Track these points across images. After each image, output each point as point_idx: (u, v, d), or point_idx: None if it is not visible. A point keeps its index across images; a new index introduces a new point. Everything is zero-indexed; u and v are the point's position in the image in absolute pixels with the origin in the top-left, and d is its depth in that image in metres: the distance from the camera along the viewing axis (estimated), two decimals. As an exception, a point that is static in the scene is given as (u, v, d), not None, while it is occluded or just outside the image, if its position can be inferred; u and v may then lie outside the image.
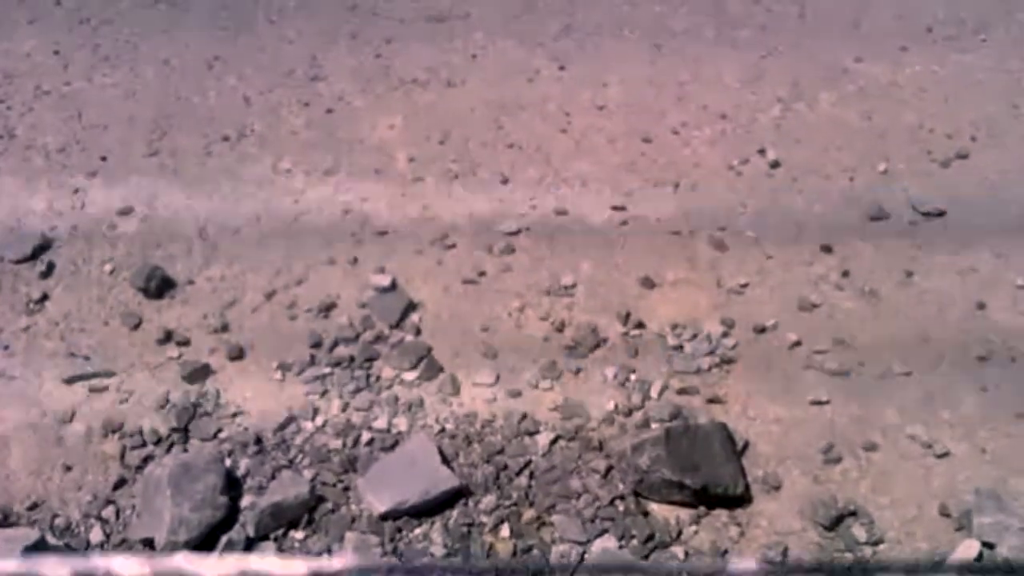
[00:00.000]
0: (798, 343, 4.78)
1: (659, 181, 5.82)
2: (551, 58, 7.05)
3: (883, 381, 4.61)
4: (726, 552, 3.93)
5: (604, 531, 3.98)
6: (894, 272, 5.18)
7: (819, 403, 4.50)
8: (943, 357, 4.72)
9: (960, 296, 5.04)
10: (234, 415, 4.47)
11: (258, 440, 4.34)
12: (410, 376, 4.65)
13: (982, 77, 6.86)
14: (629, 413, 4.48)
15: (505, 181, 5.82)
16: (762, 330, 4.85)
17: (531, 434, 4.39)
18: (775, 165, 5.91)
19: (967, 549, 3.79)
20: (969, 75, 6.88)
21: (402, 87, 6.71)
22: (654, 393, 4.56)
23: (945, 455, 4.26)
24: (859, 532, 3.98)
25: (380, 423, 4.43)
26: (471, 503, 4.10)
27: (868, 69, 6.91)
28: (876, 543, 3.95)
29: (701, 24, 7.49)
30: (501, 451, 4.31)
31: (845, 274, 5.14)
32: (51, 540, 3.90)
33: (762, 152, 6.02)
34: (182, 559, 3.81)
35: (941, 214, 5.53)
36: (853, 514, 4.05)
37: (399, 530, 3.98)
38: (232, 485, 4.11)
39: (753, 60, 6.99)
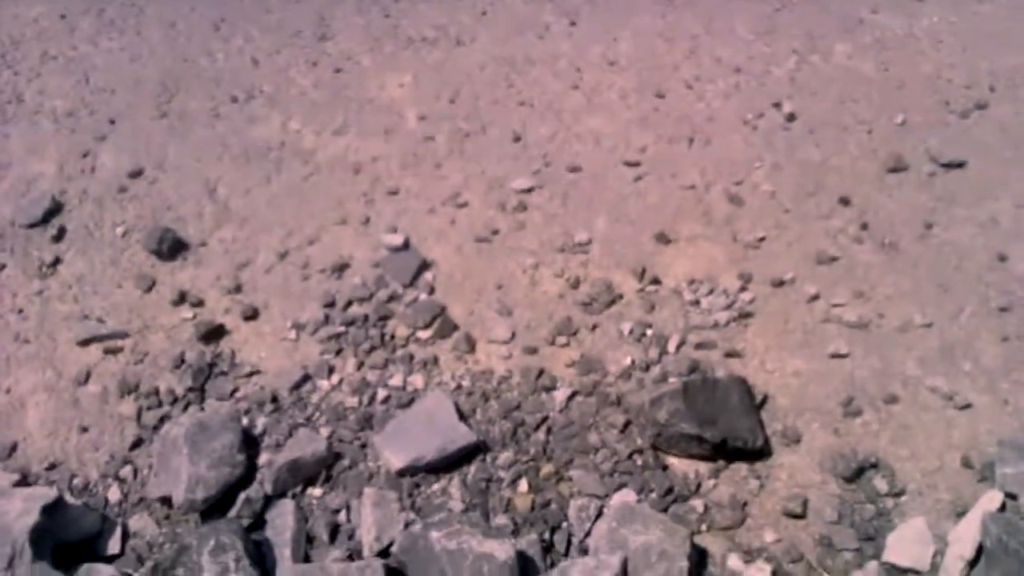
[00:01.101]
0: (816, 296, 4.72)
1: (673, 136, 5.74)
2: (561, 13, 6.95)
3: (903, 333, 4.55)
4: (746, 505, 3.91)
5: (623, 485, 3.97)
6: (913, 224, 5.11)
7: (838, 356, 4.45)
8: (963, 308, 4.66)
9: (980, 247, 4.97)
10: (250, 374, 4.46)
11: (274, 398, 4.33)
12: (425, 334, 4.63)
13: (1000, 27, 6.73)
14: (646, 368, 4.45)
15: (517, 138, 5.75)
16: (780, 284, 4.79)
17: (548, 390, 4.36)
18: (791, 118, 5.82)
19: (990, 500, 3.75)
20: (987, 25, 6.75)
21: (411, 45, 6.63)
22: (671, 348, 4.52)
23: (967, 407, 4.21)
24: (880, 484, 3.96)
25: (396, 381, 4.41)
26: (489, 459, 4.09)
27: (884, 20, 6.79)
28: (898, 494, 3.93)
29: (713, -23, 7.37)
30: (518, 407, 4.28)
31: (864, 227, 5.07)
32: (69, 499, 3.91)
33: (777, 105, 5.93)
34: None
35: (960, 165, 5.44)
36: (874, 466, 4.02)
37: (417, 486, 3.97)
38: (249, 443, 4.11)
39: (767, 12, 6.88)
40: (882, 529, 3.81)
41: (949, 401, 4.25)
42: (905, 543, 3.69)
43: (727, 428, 3.98)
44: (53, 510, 3.69)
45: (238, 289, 4.84)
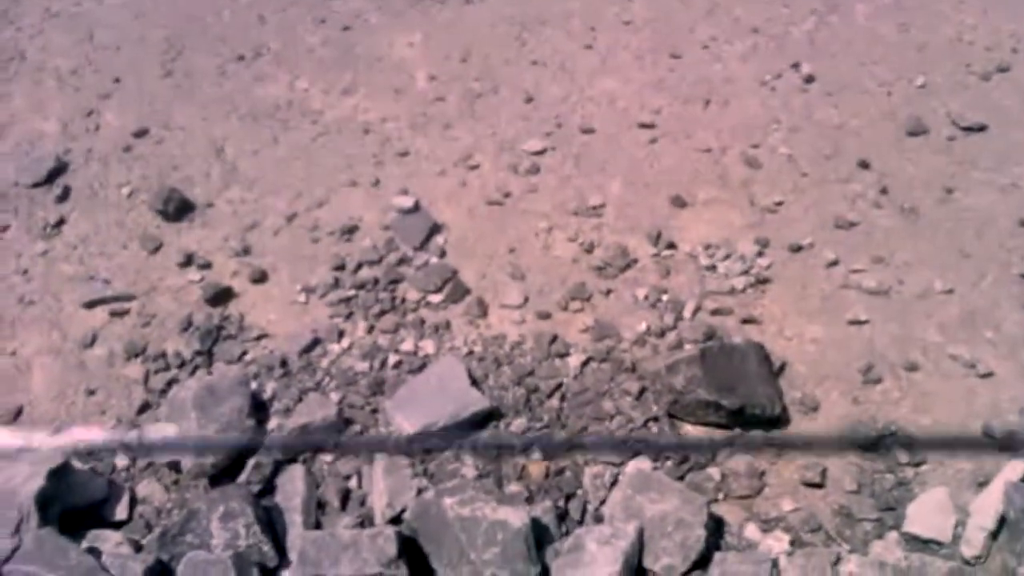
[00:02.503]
0: (835, 262, 4.63)
1: (689, 98, 5.62)
2: (574, -28, 6.80)
3: (924, 300, 4.47)
4: (763, 473, 3.85)
5: (638, 452, 3.90)
6: (933, 188, 5.01)
7: (858, 322, 4.37)
8: (985, 275, 4.57)
9: (1001, 212, 4.87)
10: (258, 338, 4.39)
11: (284, 363, 4.26)
12: (436, 298, 4.55)
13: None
14: (662, 334, 4.37)
15: (529, 99, 5.63)
16: (798, 249, 4.70)
17: (562, 356, 4.29)
18: (809, 80, 5.70)
19: (1013, 469, 3.68)
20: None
21: (420, 3, 6.48)
22: (687, 314, 4.44)
23: (988, 375, 4.14)
24: (900, 453, 3.89)
25: (407, 346, 4.34)
26: (502, 425, 4.02)
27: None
28: (918, 464, 3.86)
29: (730, -65, 7.20)
30: (531, 373, 4.21)
31: (883, 191, 4.97)
32: (76, 464, 3.85)
33: (796, 66, 5.80)
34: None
35: (982, 128, 5.33)
36: (894, 435, 3.95)
37: (429, 452, 3.91)
38: (258, 408, 4.05)
39: (785, -28, 6.72)
40: (902, 499, 3.75)
41: (971, 369, 4.18)
42: (926, 513, 3.63)
43: (745, 395, 3.91)
44: (60, 475, 3.64)
45: (246, 251, 4.76)
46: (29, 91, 5.80)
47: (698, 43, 6.04)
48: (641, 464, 3.84)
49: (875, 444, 3.91)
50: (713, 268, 4.65)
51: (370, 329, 4.41)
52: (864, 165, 5.12)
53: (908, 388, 4.12)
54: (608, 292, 4.57)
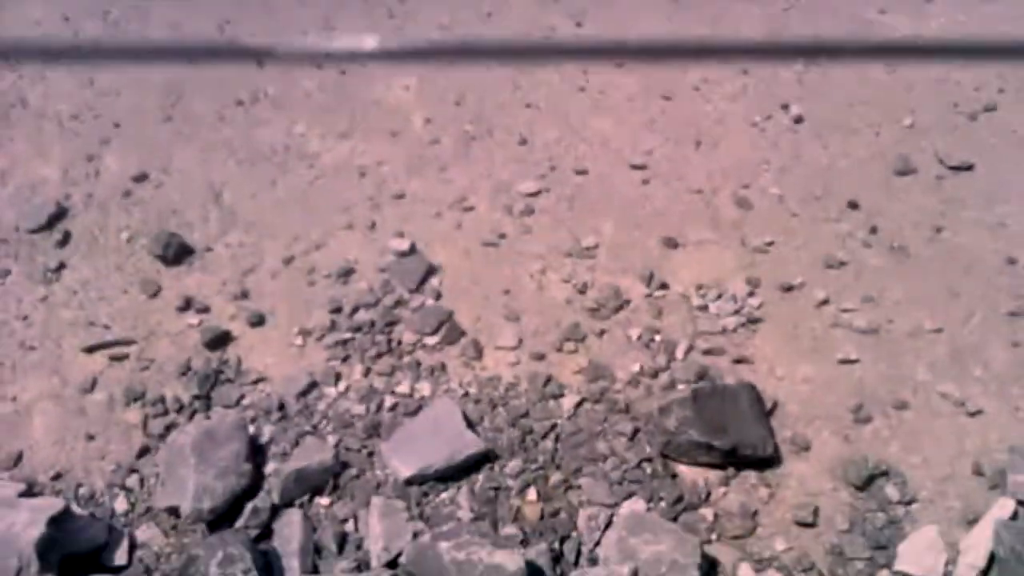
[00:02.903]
0: (826, 301, 4.70)
1: (680, 139, 5.71)
2: (567, 15, 6.90)
3: (913, 338, 4.53)
4: (756, 513, 3.89)
5: (632, 494, 3.95)
6: (923, 228, 5.09)
7: (848, 362, 4.43)
8: (974, 313, 4.64)
9: (990, 251, 4.95)
10: (256, 381, 4.44)
11: (281, 406, 4.31)
12: (432, 340, 4.60)
13: (1008, 27, 6.68)
14: (655, 374, 4.42)
15: (523, 141, 5.72)
16: (789, 289, 4.77)
17: (556, 397, 4.34)
18: (799, 120, 5.79)
19: (1002, 507, 3.73)
20: (995, 26, 6.70)
21: (415, 47, 6.59)
22: (679, 354, 4.50)
23: (978, 413, 4.20)
24: (891, 492, 3.94)
25: (403, 388, 4.39)
26: (497, 467, 4.07)
27: (892, 21, 6.74)
28: (909, 502, 3.91)
29: (720, -22, 7.33)
30: (526, 415, 4.26)
31: (872, 230, 5.05)
32: (76, 509, 3.89)
33: (785, 107, 5.90)
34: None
35: (969, 168, 5.42)
36: (885, 474, 4.00)
37: (425, 495, 3.95)
38: (256, 452, 4.09)
39: (774, 13, 6.83)
40: (893, 538, 3.79)
41: (960, 407, 4.24)
42: (917, 552, 3.68)
43: (737, 436, 3.96)
44: (60, 521, 3.67)
45: (244, 295, 4.82)
46: (30, 136, 5.88)
47: (689, 84, 6.14)
48: (635, 505, 3.88)
49: (866, 483, 3.95)
50: (705, 308, 4.71)
51: (366, 372, 4.47)
52: (854, 205, 5.20)
53: (898, 427, 4.18)
54: (602, 333, 4.63)
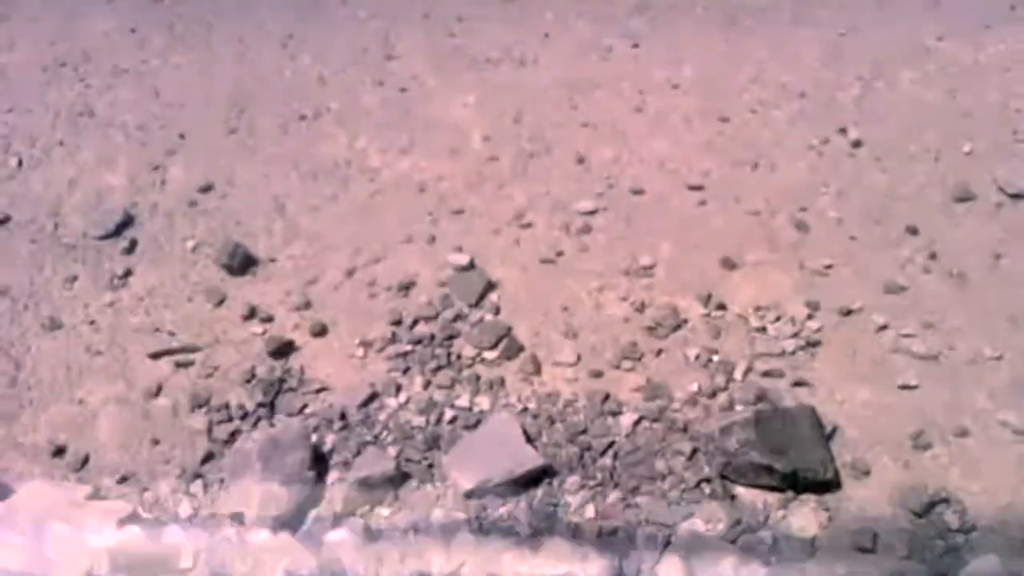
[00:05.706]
0: (885, 326, 4.69)
1: (737, 160, 5.74)
2: (624, 36, 6.97)
3: (973, 365, 4.51)
4: (815, 538, 3.88)
5: (690, 514, 3.95)
6: (982, 254, 5.06)
7: (908, 387, 4.41)
8: (1034, 342, 4.61)
9: (1050, 279, 4.92)
10: (318, 391, 4.51)
11: (343, 416, 4.37)
12: (491, 355, 4.65)
13: (1069, 55, 6.66)
14: (713, 395, 4.43)
15: (580, 160, 5.77)
16: (848, 313, 4.76)
17: (614, 414, 4.36)
18: (857, 144, 5.79)
19: (1065, 538, 3.70)
20: (1055, 52, 6.68)
21: (475, 66, 6.69)
22: (738, 375, 4.51)
23: (1039, 442, 4.17)
24: (951, 519, 3.91)
25: (462, 401, 4.43)
26: (556, 483, 4.09)
27: (950, 47, 6.73)
28: (968, 531, 3.88)
29: (778, 1, 7.35)
30: (584, 431, 4.29)
31: (932, 256, 5.03)
32: (142, 513, 3.97)
33: (843, 131, 5.90)
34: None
35: (1029, 195, 5.40)
36: (944, 501, 3.97)
37: (484, 508, 3.99)
38: (318, 460, 4.15)
39: (832, 38, 6.85)
40: (954, 566, 3.76)
41: (1020, 436, 4.20)
42: (979, 581, 3.65)
43: (798, 459, 3.96)
44: (127, 523, 3.76)
45: (307, 305, 4.90)
46: (98, 146, 6.04)
47: (746, 107, 6.17)
48: (693, 525, 3.89)
49: (926, 510, 3.93)
50: (763, 330, 4.71)
51: (426, 384, 4.52)
52: (913, 230, 5.18)
53: (958, 454, 4.15)
54: (659, 352, 4.65)
